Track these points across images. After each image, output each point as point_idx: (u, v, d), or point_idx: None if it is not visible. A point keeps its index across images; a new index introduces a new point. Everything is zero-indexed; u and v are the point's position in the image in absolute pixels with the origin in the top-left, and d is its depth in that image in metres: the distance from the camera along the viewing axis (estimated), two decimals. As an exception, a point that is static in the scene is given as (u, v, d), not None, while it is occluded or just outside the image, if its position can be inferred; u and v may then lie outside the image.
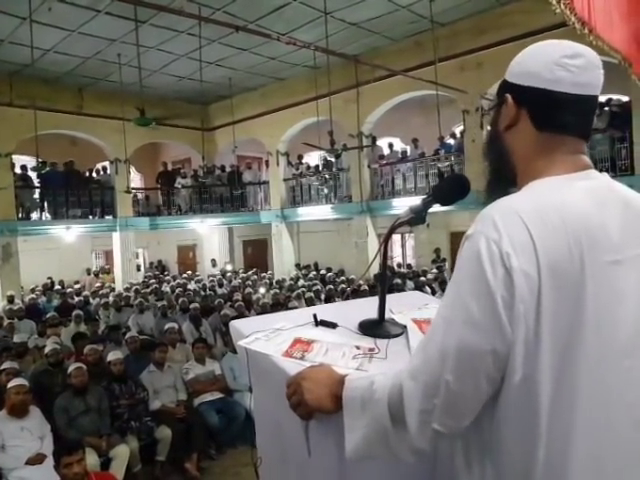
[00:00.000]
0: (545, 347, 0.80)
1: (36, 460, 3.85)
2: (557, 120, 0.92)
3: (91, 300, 10.76)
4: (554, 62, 0.91)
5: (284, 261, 15.10)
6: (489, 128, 1.04)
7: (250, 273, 14.26)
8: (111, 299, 9.84)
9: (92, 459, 3.94)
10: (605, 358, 0.83)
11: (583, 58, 0.91)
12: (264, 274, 14.19)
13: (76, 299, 10.66)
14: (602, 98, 9.41)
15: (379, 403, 0.90)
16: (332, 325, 1.33)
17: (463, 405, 0.84)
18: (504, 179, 1.02)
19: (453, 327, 0.83)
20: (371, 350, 1.20)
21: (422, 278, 10.22)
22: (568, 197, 0.86)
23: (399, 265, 14.48)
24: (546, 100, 0.92)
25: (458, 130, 12.15)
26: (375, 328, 1.31)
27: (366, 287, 8.66)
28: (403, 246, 15.86)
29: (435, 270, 11.90)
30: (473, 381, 0.82)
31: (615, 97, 9.44)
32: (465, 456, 0.93)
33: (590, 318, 0.81)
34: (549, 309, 0.80)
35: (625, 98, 9.19)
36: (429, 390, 0.84)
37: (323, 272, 13.59)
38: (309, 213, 14.49)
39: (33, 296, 11.21)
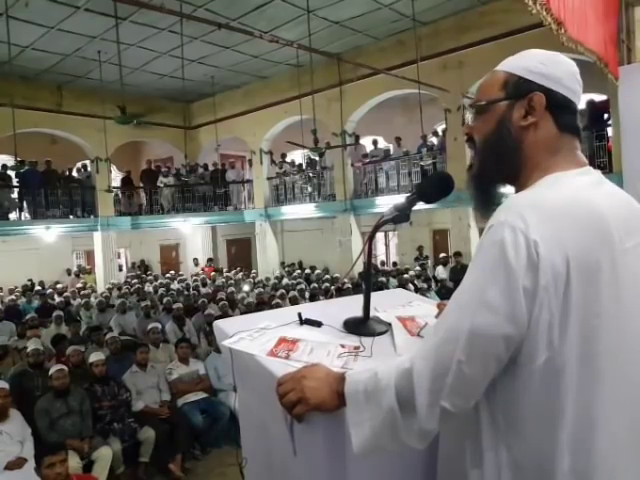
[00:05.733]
0: (572, 332, 0.83)
1: (16, 464, 3.77)
2: (573, 124, 1.01)
3: (72, 301, 10.60)
4: (573, 75, 1.00)
5: (268, 260, 15.06)
6: (492, 123, 1.01)
7: (233, 272, 14.18)
8: (93, 299, 9.69)
9: (74, 462, 3.88)
10: (627, 341, 0.87)
11: (579, 77, 1.01)
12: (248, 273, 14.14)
13: (57, 300, 10.48)
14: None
15: (386, 391, 0.91)
16: (317, 324, 1.32)
17: (472, 385, 0.87)
18: (499, 177, 1.04)
19: (468, 310, 0.86)
20: (356, 348, 1.20)
21: (405, 275, 10.27)
22: (583, 192, 0.92)
23: (383, 263, 14.54)
24: (569, 106, 1.00)
25: (440, 129, 12.25)
26: (360, 326, 1.31)
27: (350, 285, 8.69)
28: (387, 244, 15.93)
29: (418, 267, 11.97)
30: (484, 362, 0.85)
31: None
32: (474, 445, 0.94)
33: (612, 304, 0.86)
34: (577, 298, 0.83)
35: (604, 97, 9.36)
36: (440, 369, 0.86)
37: (308, 271, 13.58)
38: (293, 212, 14.47)
39: (12, 297, 10.98)
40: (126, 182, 15.52)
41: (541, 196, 0.91)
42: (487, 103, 1.02)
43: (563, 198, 0.89)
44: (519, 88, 0.99)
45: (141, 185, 15.59)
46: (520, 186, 1.00)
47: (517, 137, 0.99)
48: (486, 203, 1.03)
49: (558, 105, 0.98)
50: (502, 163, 1.02)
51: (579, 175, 0.96)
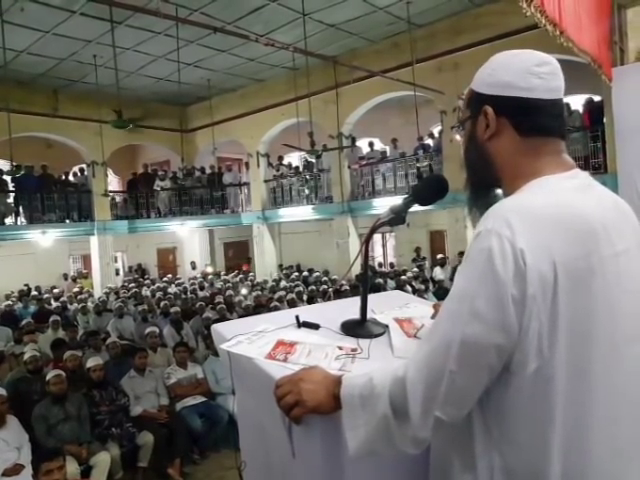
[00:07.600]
0: (561, 340, 0.83)
1: (13, 471, 3.74)
2: (538, 125, 0.96)
3: (69, 306, 10.56)
4: (526, 71, 0.95)
5: (266, 262, 15.06)
6: (465, 140, 1.06)
7: (231, 275, 14.16)
8: (90, 304, 9.65)
9: (72, 467, 3.87)
10: (618, 347, 0.87)
11: (550, 65, 0.96)
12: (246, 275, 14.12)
13: (54, 304, 10.45)
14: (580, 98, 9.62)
15: (380, 397, 0.91)
16: (314, 326, 1.33)
17: (465, 394, 0.87)
18: (488, 184, 1.06)
19: (459, 319, 0.85)
20: (354, 350, 1.20)
21: (403, 277, 10.28)
22: (569, 196, 0.90)
23: (380, 265, 14.54)
24: (526, 108, 0.95)
25: (436, 130, 12.28)
26: (357, 328, 1.31)
27: (348, 287, 8.68)
28: (384, 246, 15.94)
29: (416, 269, 11.99)
30: (476, 372, 0.85)
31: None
32: (467, 451, 0.93)
33: (602, 310, 0.85)
34: (566, 305, 0.82)
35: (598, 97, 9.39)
36: (433, 379, 0.86)
37: (306, 273, 13.58)
38: (290, 214, 14.48)
39: (9, 302, 10.96)
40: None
41: (527, 201, 0.90)
42: (460, 123, 1.07)
43: (549, 203, 0.88)
44: (475, 103, 1.01)
45: (137, 189, 15.55)
46: (507, 192, 1.00)
47: (483, 150, 1.01)
48: (481, 206, 1.04)
49: (515, 111, 0.96)
50: (480, 175, 1.05)
51: (566, 178, 0.94)
